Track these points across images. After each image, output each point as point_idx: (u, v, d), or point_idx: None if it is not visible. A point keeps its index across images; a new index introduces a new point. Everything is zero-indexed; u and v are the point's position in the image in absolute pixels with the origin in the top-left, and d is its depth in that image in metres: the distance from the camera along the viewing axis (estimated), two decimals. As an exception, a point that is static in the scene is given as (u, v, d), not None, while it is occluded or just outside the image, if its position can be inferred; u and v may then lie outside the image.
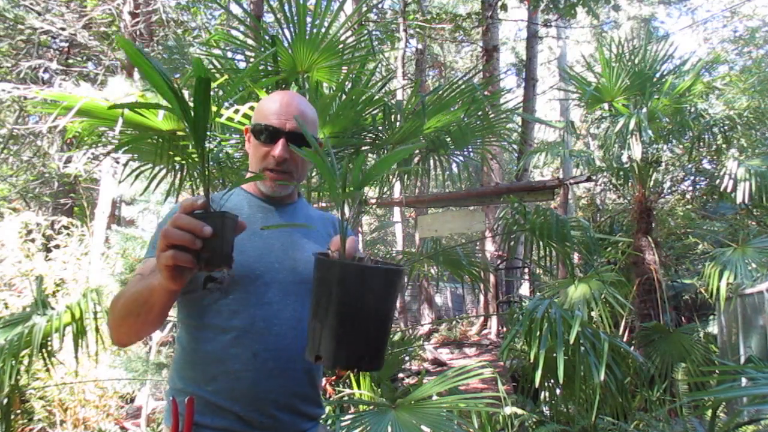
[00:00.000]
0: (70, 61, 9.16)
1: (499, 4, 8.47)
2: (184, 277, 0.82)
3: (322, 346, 0.81)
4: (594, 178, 5.72)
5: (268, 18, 8.74)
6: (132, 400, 4.68)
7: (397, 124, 2.68)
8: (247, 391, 1.08)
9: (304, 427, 1.16)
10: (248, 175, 1.28)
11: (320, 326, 0.82)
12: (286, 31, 2.36)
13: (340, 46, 2.49)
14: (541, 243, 2.94)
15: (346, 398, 2.63)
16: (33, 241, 4.98)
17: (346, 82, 2.63)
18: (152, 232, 4.39)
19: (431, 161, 3.11)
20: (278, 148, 1.15)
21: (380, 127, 2.73)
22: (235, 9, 10.16)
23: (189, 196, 0.86)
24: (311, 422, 1.19)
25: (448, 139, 2.87)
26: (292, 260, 1.17)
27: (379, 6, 12.14)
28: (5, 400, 2.29)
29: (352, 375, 2.79)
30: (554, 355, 2.11)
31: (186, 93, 2.05)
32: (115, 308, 1.00)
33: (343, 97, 2.43)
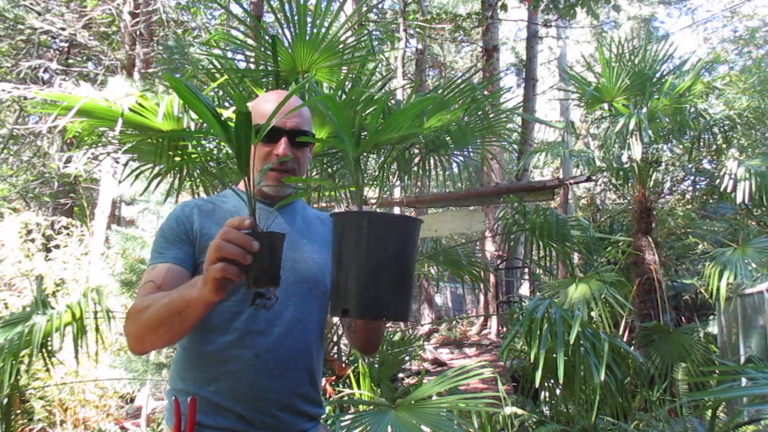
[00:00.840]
0: (70, 61, 9.16)
1: (499, 4, 8.47)
2: (227, 290, 0.83)
3: (348, 299, 0.83)
4: (594, 178, 5.71)
5: (268, 18, 8.74)
6: (132, 400, 4.68)
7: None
8: (249, 391, 1.08)
9: (304, 427, 1.16)
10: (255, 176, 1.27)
11: (345, 279, 0.84)
12: (286, 31, 2.37)
13: (340, 46, 2.49)
14: (541, 243, 2.94)
15: (346, 398, 2.63)
16: (33, 241, 4.98)
17: (346, 82, 2.63)
18: (152, 232, 4.40)
19: (431, 161, 3.11)
20: (281, 147, 1.15)
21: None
22: (235, 9, 10.17)
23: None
24: (312, 422, 1.19)
25: (448, 139, 2.87)
26: (292, 261, 1.17)
27: (379, 6, 12.14)
28: (5, 400, 2.29)
29: (351, 375, 2.79)
30: (554, 355, 2.11)
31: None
32: (140, 318, 0.98)
33: (343, 96, 2.43)
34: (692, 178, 6.04)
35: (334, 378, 2.90)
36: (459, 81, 2.69)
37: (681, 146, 5.17)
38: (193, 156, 2.58)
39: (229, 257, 0.79)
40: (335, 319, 3.04)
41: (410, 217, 0.88)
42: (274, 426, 1.10)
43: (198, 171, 2.72)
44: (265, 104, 1.19)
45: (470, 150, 3.12)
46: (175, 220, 1.15)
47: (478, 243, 9.43)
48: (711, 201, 5.92)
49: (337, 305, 0.85)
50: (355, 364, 2.90)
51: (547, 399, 2.94)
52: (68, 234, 5.26)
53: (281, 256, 0.84)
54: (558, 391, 2.65)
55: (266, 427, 1.09)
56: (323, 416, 1.25)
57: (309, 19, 2.33)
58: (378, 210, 0.90)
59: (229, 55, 2.72)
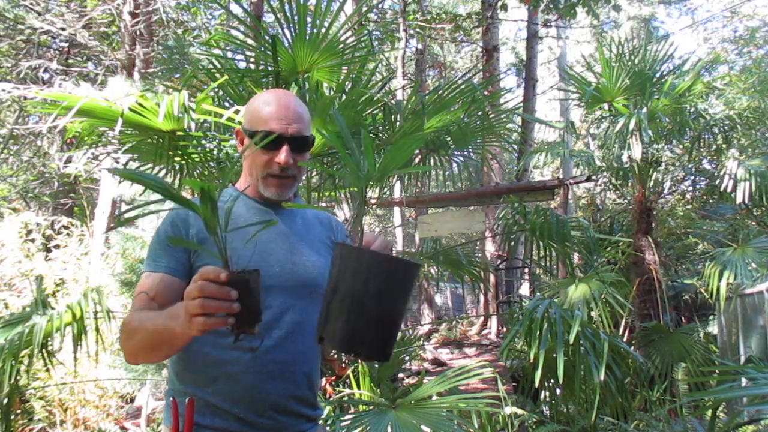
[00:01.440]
0: (70, 61, 9.16)
1: (499, 4, 8.47)
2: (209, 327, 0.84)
3: (327, 329, 0.84)
4: (594, 178, 5.71)
5: (268, 18, 8.74)
6: (132, 400, 4.68)
7: (397, 124, 2.68)
8: (247, 393, 1.08)
9: (303, 428, 1.17)
10: (243, 180, 1.25)
11: (327, 308, 0.85)
12: (286, 31, 2.37)
13: (340, 46, 2.49)
14: (541, 243, 2.94)
15: (346, 398, 2.63)
16: (33, 241, 4.97)
17: (346, 82, 2.63)
18: (152, 232, 4.39)
19: (431, 161, 3.11)
20: (283, 155, 1.13)
21: (380, 127, 2.73)
22: (235, 9, 10.16)
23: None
24: (310, 423, 1.19)
25: (448, 139, 2.87)
26: (291, 264, 1.17)
27: (379, 6, 12.14)
28: (5, 400, 2.29)
29: (351, 375, 2.79)
30: (554, 355, 2.11)
31: (186, 93, 2.05)
32: (132, 340, 1.01)
33: (343, 96, 2.43)
34: (692, 178, 6.03)
35: (334, 378, 2.90)
36: (459, 81, 2.69)
37: (681, 146, 5.17)
38: (193, 156, 2.58)
39: (211, 312, 0.81)
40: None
41: (411, 262, 0.88)
42: (272, 427, 1.10)
43: (198, 171, 2.72)
44: (263, 107, 1.16)
45: (470, 150, 3.12)
46: (171, 225, 1.14)
47: (478, 243, 9.43)
48: (711, 201, 5.92)
49: (318, 330, 0.86)
50: (355, 364, 2.90)
51: (547, 399, 2.94)
52: (68, 234, 5.26)
53: (259, 292, 0.85)
54: (558, 391, 2.65)
55: (264, 428, 1.10)
56: (322, 417, 1.26)
57: (309, 19, 2.33)
58: (378, 251, 0.90)
59: (229, 55, 2.72)
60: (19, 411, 3.68)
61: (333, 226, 1.34)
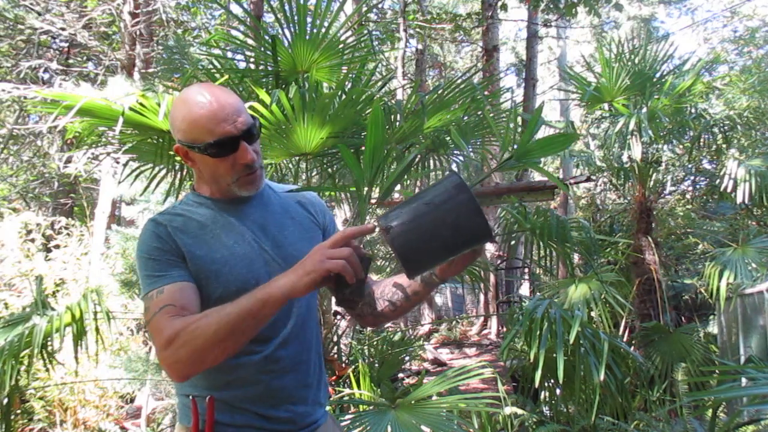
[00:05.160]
0: (70, 61, 9.16)
1: (499, 4, 8.47)
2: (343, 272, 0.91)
3: (393, 219, 0.91)
4: (594, 178, 5.72)
5: (268, 18, 8.74)
6: (132, 400, 4.68)
7: (397, 123, 2.68)
8: (262, 392, 1.09)
9: (316, 417, 1.18)
10: (201, 183, 1.18)
11: (405, 208, 0.93)
12: (286, 31, 2.37)
13: (340, 46, 2.49)
14: (541, 243, 2.94)
15: (346, 398, 2.62)
16: (33, 241, 4.98)
17: (346, 82, 2.63)
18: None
19: (431, 161, 3.11)
20: (248, 155, 1.06)
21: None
22: (235, 9, 10.17)
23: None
24: (321, 408, 1.20)
25: (448, 139, 2.87)
26: (281, 258, 1.13)
27: (379, 6, 12.14)
28: (5, 400, 2.29)
29: (351, 375, 2.79)
30: (554, 355, 2.11)
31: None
32: (198, 337, 0.92)
33: (343, 96, 2.43)
34: (692, 178, 6.04)
35: (334, 378, 2.90)
36: (459, 81, 2.69)
37: (681, 146, 5.17)
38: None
39: (350, 263, 0.90)
40: (335, 320, 3.04)
41: (488, 227, 0.94)
42: (289, 419, 1.11)
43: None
44: (199, 114, 1.03)
45: (470, 150, 3.12)
46: (157, 239, 1.07)
47: (478, 243, 9.41)
48: (711, 201, 5.92)
49: (387, 220, 0.93)
50: (355, 364, 2.90)
51: (547, 399, 2.94)
52: (68, 234, 5.26)
53: (367, 275, 0.97)
54: (558, 391, 2.65)
55: (283, 422, 1.11)
56: (329, 408, 1.27)
57: (309, 19, 2.33)
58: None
59: (229, 55, 2.73)
60: (19, 411, 3.68)
61: (313, 202, 1.28)
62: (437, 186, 0.96)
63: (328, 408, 1.26)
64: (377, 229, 0.93)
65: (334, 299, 1.12)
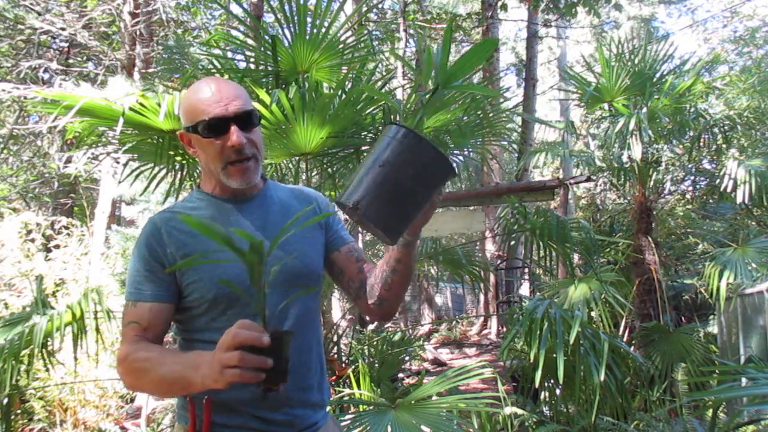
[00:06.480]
0: (70, 61, 9.15)
1: (499, 4, 8.47)
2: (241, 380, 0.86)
3: (354, 194, 0.90)
4: (594, 178, 5.71)
5: (268, 18, 8.73)
6: (132, 400, 4.67)
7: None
8: (258, 395, 1.07)
9: (315, 419, 1.17)
10: (206, 179, 1.19)
11: (362, 177, 0.91)
12: (286, 31, 2.37)
13: (340, 46, 2.49)
14: (541, 243, 2.94)
15: (346, 398, 2.62)
16: (33, 241, 4.97)
17: (346, 82, 2.63)
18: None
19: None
20: (234, 136, 1.06)
21: (380, 127, 2.72)
22: (235, 9, 10.17)
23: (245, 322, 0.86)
24: (321, 410, 1.19)
25: (448, 139, 2.87)
26: (278, 259, 1.10)
27: (379, 6, 12.14)
28: (5, 400, 2.29)
29: (351, 375, 2.79)
30: (554, 355, 2.11)
31: (186, 92, 2.05)
32: (140, 378, 1.01)
33: (343, 96, 2.43)
34: (692, 178, 6.04)
35: (334, 378, 2.90)
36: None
37: (681, 146, 5.17)
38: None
39: (247, 365, 0.82)
40: (335, 319, 3.04)
41: (448, 160, 0.92)
42: (287, 422, 1.11)
43: (198, 171, 2.72)
44: (196, 99, 1.09)
45: (470, 150, 3.12)
46: (147, 247, 1.10)
47: (478, 243, 9.42)
48: (711, 201, 5.91)
49: (349, 198, 0.91)
50: (355, 364, 2.90)
51: (547, 399, 2.94)
52: (68, 234, 5.26)
53: (289, 352, 0.87)
54: (558, 391, 2.65)
55: (280, 424, 1.10)
56: (329, 408, 1.26)
57: (309, 19, 2.33)
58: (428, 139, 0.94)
59: (229, 55, 2.73)
60: (19, 411, 3.68)
61: (313, 200, 1.27)
62: (381, 143, 0.92)
63: (328, 408, 1.26)
64: (269, 334, 0.84)
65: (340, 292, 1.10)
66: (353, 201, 0.89)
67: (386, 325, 10.27)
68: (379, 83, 2.96)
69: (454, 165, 0.99)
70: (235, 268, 1.08)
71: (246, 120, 1.09)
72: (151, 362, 1.00)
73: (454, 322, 10.30)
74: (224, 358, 0.83)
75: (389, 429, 1.77)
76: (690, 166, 5.48)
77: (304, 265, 1.15)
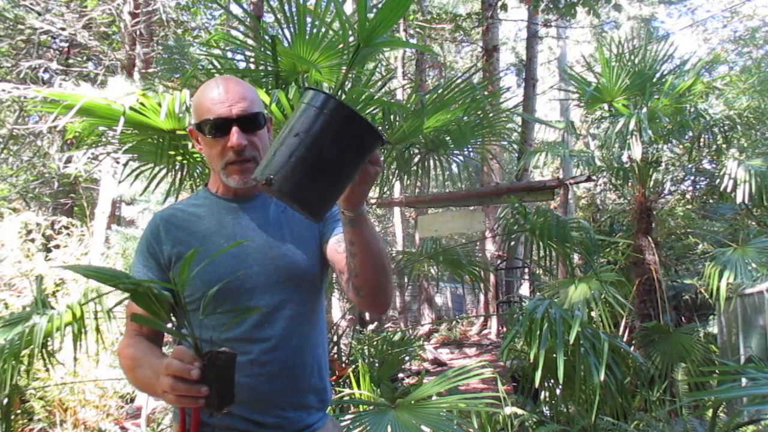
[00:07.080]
0: (70, 61, 9.15)
1: (499, 4, 8.47)
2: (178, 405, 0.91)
3: (269, 168, 0.81)
4: (594, 178, 5.71)
5: (268, 18, 8.73)
6: (132, 400, 4.67)
7: (397, 123, 2.68)
8: (249, 395, 1.08)
9: (310, 421, 1.16)
10: (212, 178, 1.22)
11: (276, 149, 0.82)
12: (286, 31, 2.37)
13: (340, 45, 2.49)
14: (541, 243, 2.94)
15: (346, 398, 2.62)
16: (33, 241, 4.97)
17: (346, 82, 2.63)
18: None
19: (431, 161, 3.11)
20: (234, 137, 1.07)
21: (380, 127, 2.73)
22: (235, 9, 10.17)
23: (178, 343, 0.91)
24: (318, 413, 1.18)
25: (448, 139, 2.87)
26: (271, 259, 1.13)
27: (379, 6, 12.13)
28: (5, 400, 2.29)
29: (351, 375, 2.79)
30: (554, 355, 2.11)
31: (187, 92, 2.05)
32: (127, 373, 1.08)
33: (343, 96, 2.43)
34: (692, 178, 6.03)
35: (334, 378, 2.90)
36: (459, 81, 2.69)
37: (681, 146, 5.17)
38: (194, 155, 2.58)
39: (180, 395, 0.85)
40: (335, 319, 3.03)
41: (372, 126, 0.82)
42: (278, 425, 1.10)
43: (198, 171, 2.72)
44: (205, 97, 1.10)
45: (470, 150, 3.12)
46: (146, 242, 1.15)
47: (478, 243, 9.43)
48: (711, 201, 5.91)
49: (262, 173, 0.82)
50: (355, 364, 2.90)
51: (547, 399, 2.94)
52: (68, 234, 5.26)
53: (233, 374, 0.86)
54: (558, 391, 2.65)
55: (269, 427, 1.09)
56: (329, 408, 1.25)
57: (309, 19, 2.32)
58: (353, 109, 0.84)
59: (229, 55, 2.73)
60: (19, 411, 3.67)
61: None
62: (297, 111, 0.83)
63: (328, 409, 1.26)
64: (201, 360, 0.85)
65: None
66: (266, 176, 0.80)
67: (386, 325, 10.27)
68: (379, 83, 2.95)
69: (380, 130, 0.87)
70: (224, 267, 1.09)
71: (249, 122, 1.09)
72: (134, 362, 1.05)
73: (454, 322, 10.30)
74: (160, 384, 0.86)
75: (389, 429, 1.77)
76: (690, 166, 5.48)
77: (293, 265, 1.14)
